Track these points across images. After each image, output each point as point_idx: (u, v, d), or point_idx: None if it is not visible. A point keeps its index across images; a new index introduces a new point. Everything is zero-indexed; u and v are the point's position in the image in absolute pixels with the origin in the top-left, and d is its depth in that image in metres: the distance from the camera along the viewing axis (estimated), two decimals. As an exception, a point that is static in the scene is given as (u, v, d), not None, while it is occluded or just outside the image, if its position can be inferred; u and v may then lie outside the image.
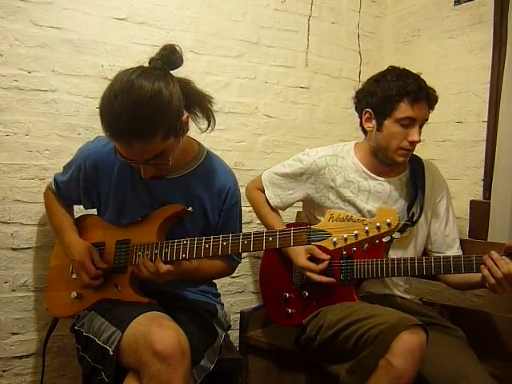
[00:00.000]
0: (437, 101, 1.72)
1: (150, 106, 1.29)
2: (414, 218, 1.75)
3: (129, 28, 2.02)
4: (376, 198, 1.77)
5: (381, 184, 1.78)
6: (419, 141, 1.68)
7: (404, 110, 1.65)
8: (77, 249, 1.58)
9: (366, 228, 1.24)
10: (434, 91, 1.70)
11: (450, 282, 1.77)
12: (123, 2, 2.00)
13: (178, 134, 1.40)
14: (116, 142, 1.36)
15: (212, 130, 1.51)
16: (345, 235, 1.25)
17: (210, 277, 1.72)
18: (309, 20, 2.48)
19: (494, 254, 1.48)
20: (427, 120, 1.71)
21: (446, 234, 1.81)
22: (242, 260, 2.23)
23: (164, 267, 1.43)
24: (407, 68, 1.74)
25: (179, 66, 1.42)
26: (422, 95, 1.65)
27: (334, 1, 2.55)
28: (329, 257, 1.72)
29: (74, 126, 1.93)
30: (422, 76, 1.71)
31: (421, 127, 1.69)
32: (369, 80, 1.78)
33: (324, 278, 1.71)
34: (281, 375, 2.00)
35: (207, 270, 1.63)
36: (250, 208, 2.07)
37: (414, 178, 1.79)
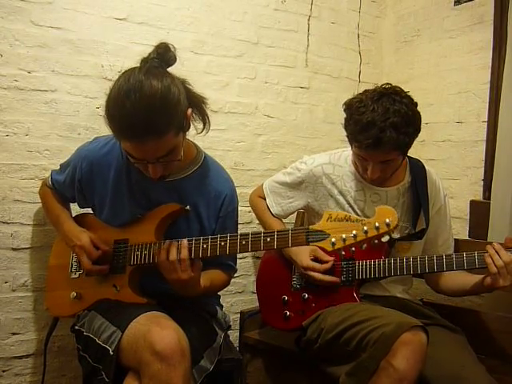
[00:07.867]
0: (407, 144, 1.61)
1: (163, 103, 1.30)
2: (422, 234, 1.75)
3: (129, 28, 2.02)
4: (372, 207, 1.76)
5: (377, 193, 1.77)
6: (376, 179, 1.67)
7: (355, 150, 1.67)
8: (76, 235, 1.57)
9: (365, 228, 1.23)
10: (408, 134, 1.57)
11: (447, 290, 1.77)
12: (123, 2, 2.00)
13: (185, 129, 1.42)
14: (128, 142, 1.33)
15: (207, 131, 1.52)
16: (343, 235, 1.24)
17: (212, 292, 1.67)
18: (309, 20, 2.48)
19: (496, 244, 1.53)
20: (394, 159, 1.63)
21: (439, 244, 1.81)
22: (242, 260, 2.24)
23: (187, 254, 1.39)
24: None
25: (173, 63, 1.43)
26: (370, 149, 1.57)
27: (334, 1, 2.55)
28: (333, 258, 1.72)
29: (74, 126, 1.93)
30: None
31: (385, 163, 1.63)
32: (352, 99, 1.67)
33: (327, 277, 1.71)
34: (281, 375, 2.00)
35: (212, 287, 1.59)
36: (250, 208, 2.07)
37: (415, 189, 1.77)
